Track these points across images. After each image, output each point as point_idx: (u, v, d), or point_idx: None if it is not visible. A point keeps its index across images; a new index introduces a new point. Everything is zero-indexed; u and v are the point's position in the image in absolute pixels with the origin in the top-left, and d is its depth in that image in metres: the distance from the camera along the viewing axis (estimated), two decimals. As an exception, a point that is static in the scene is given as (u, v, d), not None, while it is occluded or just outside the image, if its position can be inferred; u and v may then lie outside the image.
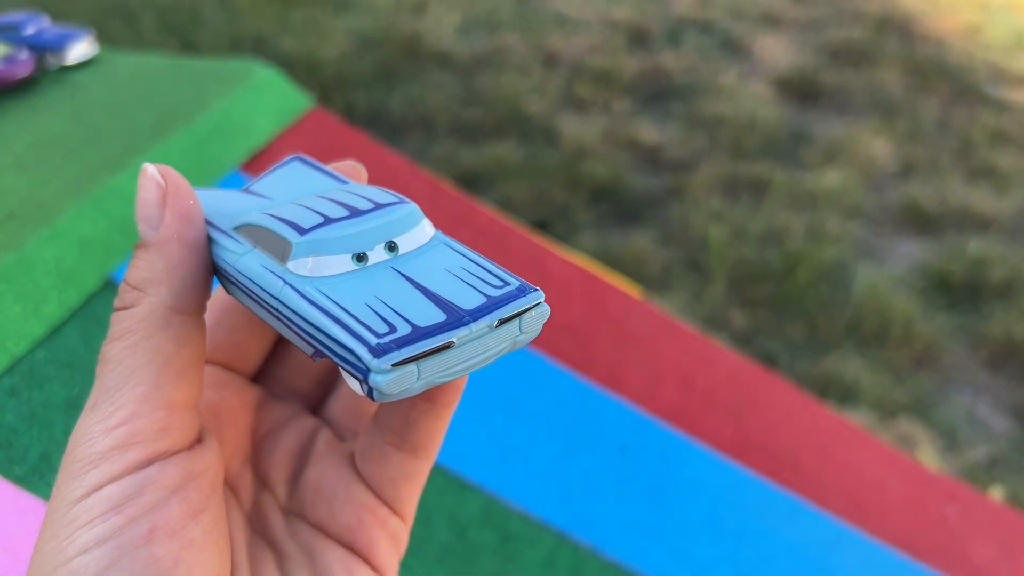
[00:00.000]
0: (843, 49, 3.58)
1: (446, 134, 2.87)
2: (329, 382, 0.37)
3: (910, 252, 2.42)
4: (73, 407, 0.60)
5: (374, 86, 3.07)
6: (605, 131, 2.91)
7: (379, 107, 2.95)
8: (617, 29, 3.62)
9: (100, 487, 0.26)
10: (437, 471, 0.72)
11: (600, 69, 3.29)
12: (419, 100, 3.00)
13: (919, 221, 2.54)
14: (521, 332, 0.28)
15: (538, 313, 0.28)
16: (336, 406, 0.36)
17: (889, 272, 2.30)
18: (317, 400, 0.37)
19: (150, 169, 0.30)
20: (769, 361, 2.01)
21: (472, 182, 2.58)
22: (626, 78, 3.25)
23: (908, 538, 0.97)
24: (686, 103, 3.12)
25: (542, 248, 1.03)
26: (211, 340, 0.34)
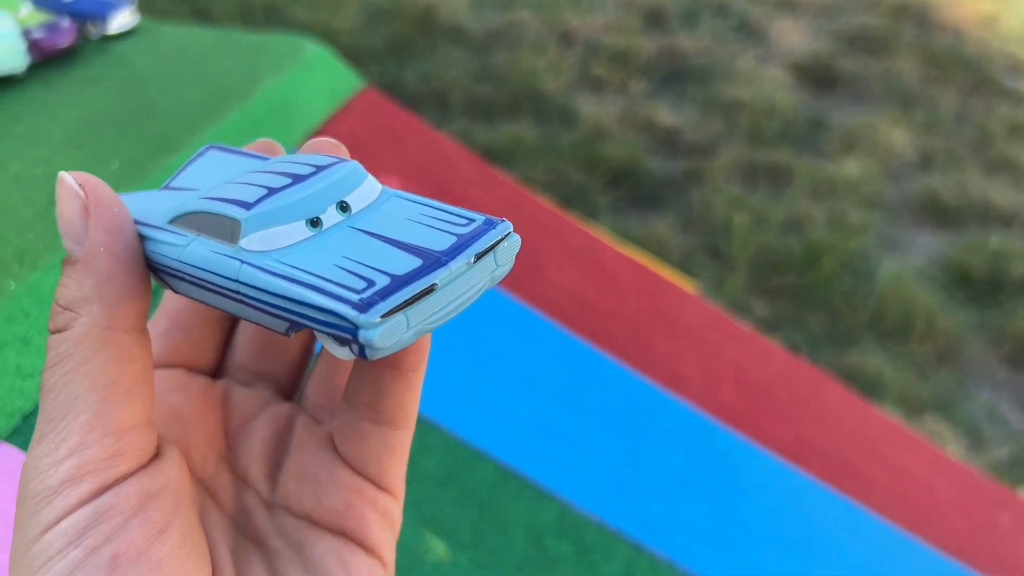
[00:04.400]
0: (859, 36, 3.54)
1: (461, 111, 2.82)
2: (300, 363, 0.35)
3: (930, 245, 2.40)
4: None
5: (387, 60, 3.01)
6: (622, 112, 2.87)
7: (393, 82, 2.90)
8: (632, 8, 3.56)
9: (56, 523, 0.25)
10: (512, 477, 0.69)
11: (616, 48, 3.24)
12: (433, 75, 2.95)
13: (939, 213, 2.52)
14: (497, 265, 0.27)
15: (510, 244, 0.27)
16: (310, 388, 0.34)
17: (910, 264, 2.29)
18: (289, 384, 0.35)
19: (67, 179, 0.27)
20: (792, 353, 1.99)
21: (488, 161, 2.54)
22: (642, 59, 3.20)
23: (960, 543, 0.95)
24: (703, 86, 3.08)
25: (596, 240, 1.00)
26: (167, 344, 0.32)
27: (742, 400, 0.92)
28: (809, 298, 2.13)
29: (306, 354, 0.35)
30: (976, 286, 2.23)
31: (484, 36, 3.25)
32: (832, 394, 1.01)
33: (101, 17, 0.92)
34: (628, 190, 2.52)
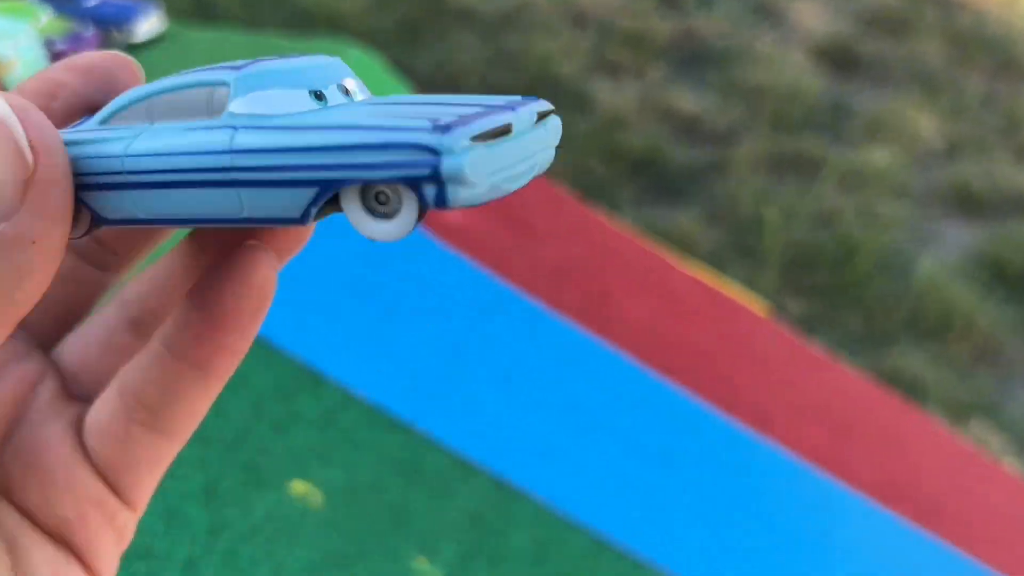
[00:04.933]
0: (880, 17, 3.45)
1: (476, 98, 2.72)
2: (67, 311, 0.27)
3: (962, 237, 2.34)
4: (212, 495, 0.49)
5: (397, 45, 2.91)
6: (640, 98, 2.78)
7: (405, 68, 2.80)
8: (646, -12, 3.46)
9: None
10: (607, 549, 0.62)
11: (631, 31, 3.14)
12: (446, 61, 2.86)
13: (969, 204, 2.45)
14: (550, 140, 0.22)
15: (556, 123, 0.23)
16: (72, 346, 0.27)
17: (943, 259, 2.22)
18: (50, 336, 0.27)
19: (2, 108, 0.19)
20: (870, 379, 1.93)
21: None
22: (659, 42, 3.11)
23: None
24: (722, 71, 2.99)
25: (663, 261, 0.93)
26: None
27: (828, 439, 0.85)
28: (844, 297, 2.06)
29: (75, 301, 0.27)
30: (1014, 281, 2.16)
31: (496, 18, 3.15)
32: (916, 425, 0.95)
33: (125, 22, 0.84)
34: (650, 181, 2.44)
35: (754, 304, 0.99)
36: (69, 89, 0.24)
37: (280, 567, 0.48)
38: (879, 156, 2.60)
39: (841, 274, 2.08)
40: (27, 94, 0.23)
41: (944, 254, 2.27)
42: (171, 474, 0.48)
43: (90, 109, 0.24)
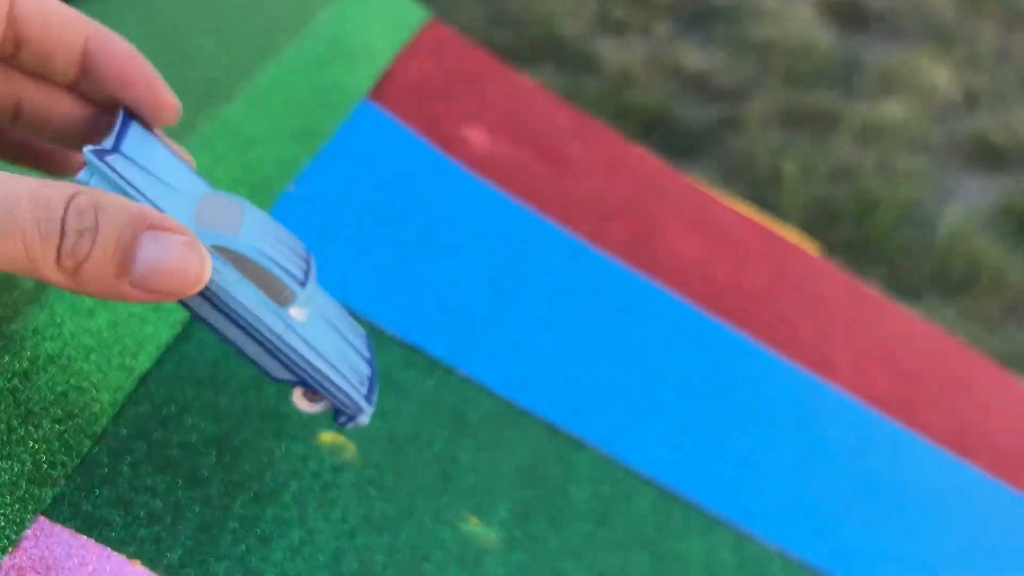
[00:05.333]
0: (889, -31, 3.34)
1: (477, 59, 2.63)
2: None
3: (983, 189, 2.26)
4: (226, 448, 0.41)
5: (394, 6, 2.81)
6: (647, 57, 2.69)
7: (402, 29, 2.70)
8: (648, -55, 3.35)
9: None
10: (677, 505, 0.55)
11: (635, -12, 3.04)
12: (445, 21, 2.75)
13: (989, 156, 2.36)
14: None
15: None
16: None
17: (966, 212, 2.14)
18: None
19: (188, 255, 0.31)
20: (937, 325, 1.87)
21: (512, 113, 2.36)
22: (664, -1, 3.01)
23: None
24: (730, 26, 2.89)
25: (714, 200, 0.85)
26: None
27: (895, 385, 0.78)
28: (867, 252, 1.98)
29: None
30: (1039, 233, 2.09)
31: (494, -22, 3.04)
32: (983, 371, 0.87)
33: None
34: (662, 139, 2.35)
35: (807, 244, 0.91)
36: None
37: (310, 532, 0.41)
38: (895, 109, 2.51)
39: (863, 229, 2.00)
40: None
41: (967, 207, 2.19)
42: (177, 423, 0.40)
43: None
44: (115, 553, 0.35)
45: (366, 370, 0.39)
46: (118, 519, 0.37)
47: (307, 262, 0.36)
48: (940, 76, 2.71)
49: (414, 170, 0.64)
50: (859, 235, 2.02)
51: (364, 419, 0.38)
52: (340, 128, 0.63)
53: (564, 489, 0.51)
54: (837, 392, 0.72)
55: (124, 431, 0.39)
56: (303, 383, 0.37)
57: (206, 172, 0.53)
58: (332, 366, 0.36)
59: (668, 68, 2.65)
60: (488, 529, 0.46)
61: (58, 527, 0.35)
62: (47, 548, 0.34)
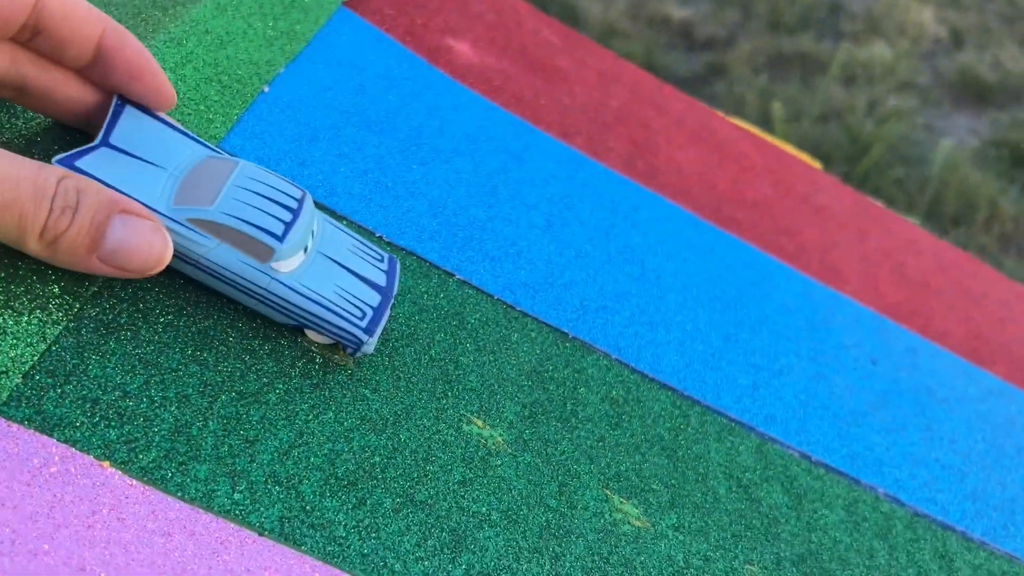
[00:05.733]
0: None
1: (455, 16, 2.57)
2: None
3: (976, 126, 2.23)
4: (208, 348, 0.38)
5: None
6: (629, 7, 2.64)
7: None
8: None
9: None
10: (694, 410, 0.51)
11: (613, -60, 2.98)
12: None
13: (979, 92, 2.33)
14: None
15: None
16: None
17: (959, 148, 2.11)
18: None
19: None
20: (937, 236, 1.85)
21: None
22: (642, -51, 2.95)
23: None
24: (711, -26, 2.84)
25: (710, 113, 0.81)
26: None
27: (904, 293, 0.75)
28: (862, 189, 1.95)
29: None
30: (1033, 166, 2.06)
31: (468, -64, 2.97)
32: (999, 285, 0.84)
33: None
34: (647, 89, 2.31)
35: (808, 159, 0.88)
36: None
37: (301, 434, 0.37)
38: (882, 50, 2.47)
39: (857, 167, 1.97)
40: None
41: (959, 143, 2.16)
42: (150, 319, 0.36)
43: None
44: (81, 453, 0.32)
45: (374, 299, 0.40)
46: (83, 419, 0.33)
47: (299, 203, 0.38)
48: (925, 15, 2.67)
49: (398, 77, 0.60)
50: (852, 173, 1.99)
51: (368, 348, 0.40)
52: (317, 33, 0.59)
53: (574, 392, 0.47)
54: (849, 299, 0.69)
55: (90, 327, 0.35)
56: (302, 326, 0.39)
57: (175, 70, 0.49)
58: (326, 307, 0.38)
59: (650, 18, 2.60)
60: (494, 431, 0.43)
61: (15, 426, 0.31)
62: (2, 449, 0.30)
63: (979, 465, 0.61)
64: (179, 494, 0.33)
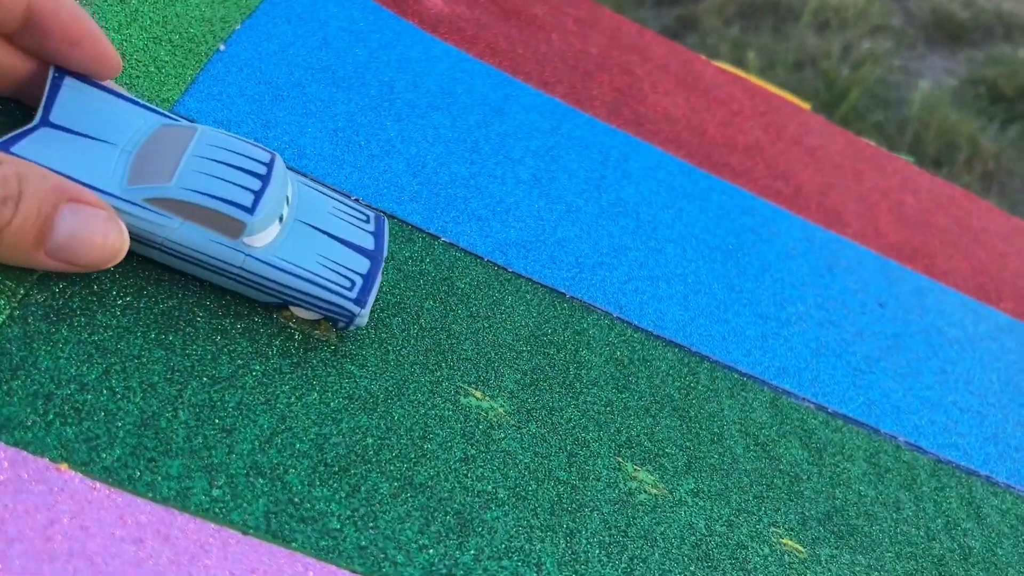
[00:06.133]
0: None
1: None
2: None
3: (952, 66, 2.20)
4: (174, 327, 0.34)
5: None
6: (595, -37, 2.58)
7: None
8: None
9: None
10: (702, 366, 0.48)
11: None
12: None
13: (952, 31, 2.30)
14: None
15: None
16: None
17: (940, 88, 2.08)
18: None
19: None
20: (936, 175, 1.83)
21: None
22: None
23: None
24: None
25: (688, 54, 0.77)
26: None
27: (905, 234, 0.72)
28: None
29: None
30: (1012, 103, 2.04)
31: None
32: (998, 221, 0.82)
33: None
34: (618, 46, 2.27)
35: (797, 100, 0.85)
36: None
37: (283, 419, 0.34)
38: (853, -7, 2.43)
39: (835, 112, 1.94)
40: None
41: (936, 83, 2.14)
42: (106, 303, 0.33)
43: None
44: (34, 456, 0.28)
45: (362, 265, 0.37)
46: (35, 417, 0.29)
47: (269, 168, 0.35)
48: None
49: (364, 29, 0.56)
50: (831, 119, 1.96)
51: (362, 320, 0.36)
52: (272, -13, 0.54)
53: (576, 355, 0.44)
54: (851, 242, 0.66)
55: (38, 314, 0.32)
56: (286, 303, 0.36)
57: (120, 30, 0.44)
58: (309, 280, 0.35)
59: (617, -27, 2.55)
60: (494, 402, 0.39)
61: (-43, 430, 0.28)
62: (-56, 455, 0.27)
63: (996, 406, 0.59)
64: (150, 495, 0.29)
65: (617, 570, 0.36)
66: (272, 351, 0.36)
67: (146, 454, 0.30)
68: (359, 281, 0.36)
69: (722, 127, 0.70)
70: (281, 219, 0.35)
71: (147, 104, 0.37)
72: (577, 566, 0.35)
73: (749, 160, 0.69)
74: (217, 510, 0.30)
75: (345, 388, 0.36)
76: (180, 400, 0.32)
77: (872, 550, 0.44)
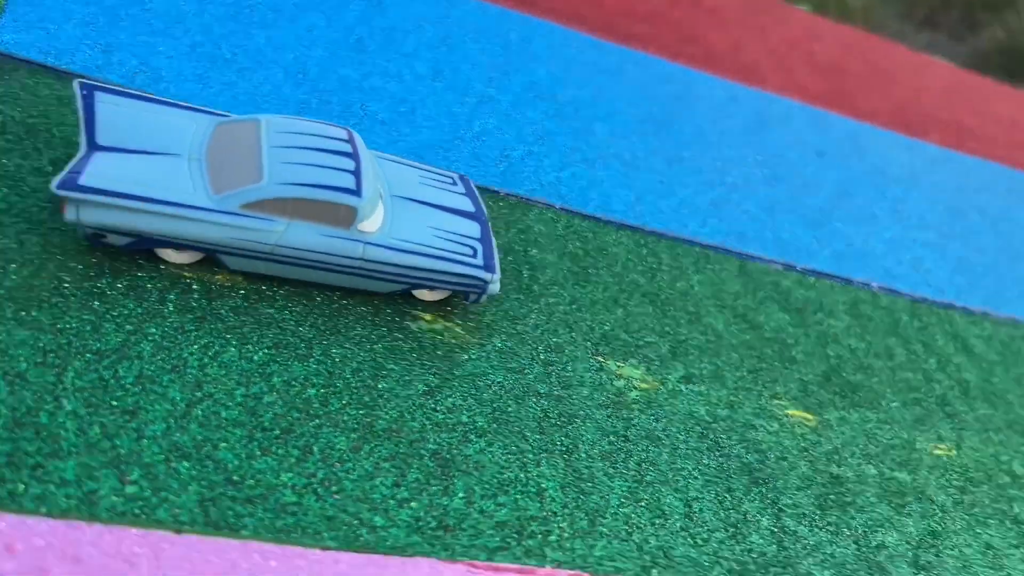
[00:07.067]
0: None
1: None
2: None
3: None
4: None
5: None
6: None
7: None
8: None
9: None
10: (666, 243, 0.43)
11: None
12: None
13: None
14: None
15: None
16: None
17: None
18: None
19: None
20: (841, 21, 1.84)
21: None
22: None
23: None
24: None
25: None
26: None
27: (822, 81, 0.69)
28: None
29: None
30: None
31: None
32: (906, 59, 0.79)
33: None
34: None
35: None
36: None
37: (200, 384, 0.27)
38: None
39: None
40: None
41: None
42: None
43: None
44: None
45: (474, 229, 0.29)
46: None
47: (352, 144, 0.26)
48: None
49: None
50: None
51: (495, 287, 0.28)
52: None
53: (526, 256, 0.38)
54: (776, 96, 0.62)
55: None
56: (413, 287, 0.27)
57: None
58: (435, 256, 0.26)
59: None
60: (448, 321, 0.33)
61: None
62: None
63: (951, 236, 0.57)
64: (43, 510, 0.22)
65: (626, 479, 0.31)
66: (168, 308, 0.29)
67: (27, 461, 0.23)
68: (479, 247, 0.31)
69: (619, -3, 0.65)
70: (381, 198, 0.28)
71: (186, 104, 0.29)
72: (583, 484, 0.30)
73: (653, 28, 0.64)
74: (137, 510, 0.23)
75: (268, 336, 0.30)
76: (60, 386, 0.25)
77: (877, 403, 0.40)
